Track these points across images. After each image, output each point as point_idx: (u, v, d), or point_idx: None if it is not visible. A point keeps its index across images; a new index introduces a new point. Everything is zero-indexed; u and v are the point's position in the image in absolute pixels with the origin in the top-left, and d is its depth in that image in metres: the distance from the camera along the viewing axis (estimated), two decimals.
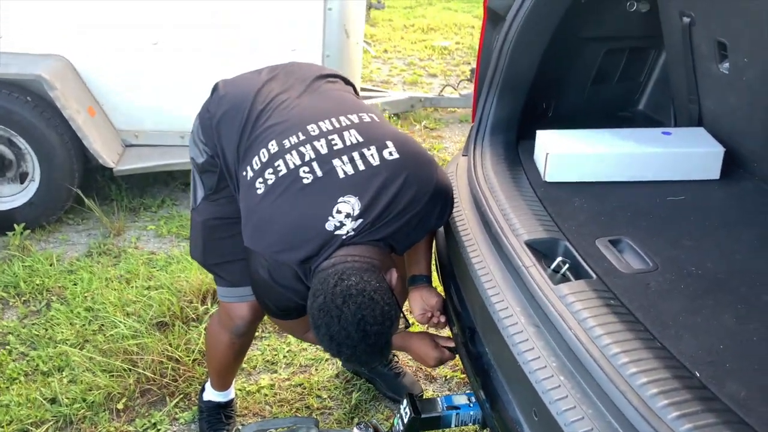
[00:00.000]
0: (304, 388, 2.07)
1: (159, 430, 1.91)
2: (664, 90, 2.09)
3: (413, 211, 1.34)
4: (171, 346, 2.15)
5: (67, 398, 1.99)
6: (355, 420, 1.94)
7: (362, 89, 4.39)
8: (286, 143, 1.37)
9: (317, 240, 1.27)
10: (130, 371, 2.07)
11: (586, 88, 2.09)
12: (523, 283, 1.27)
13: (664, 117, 2.09)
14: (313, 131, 1.38)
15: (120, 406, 1.98)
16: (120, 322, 2.28)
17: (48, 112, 2.83)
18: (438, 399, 1.53)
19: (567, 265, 1.29)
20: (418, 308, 1.55)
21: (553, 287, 1.22)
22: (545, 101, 2.09)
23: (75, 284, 2.55)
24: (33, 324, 2.35)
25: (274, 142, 1.39)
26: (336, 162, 1.33)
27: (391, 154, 1.35)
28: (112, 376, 2.07)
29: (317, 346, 1.73)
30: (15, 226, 2.86)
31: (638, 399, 0.95)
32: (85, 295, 2.48)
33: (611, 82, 2.11)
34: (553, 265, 1.30)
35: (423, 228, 1.42)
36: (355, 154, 1.34)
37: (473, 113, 2.03)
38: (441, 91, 4.92)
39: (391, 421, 1.63)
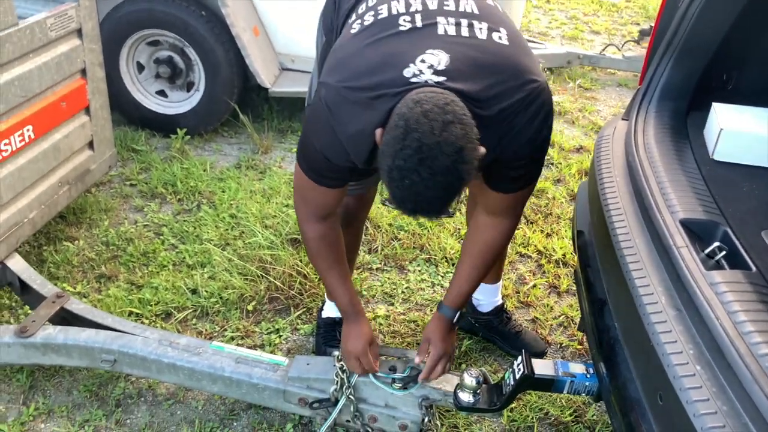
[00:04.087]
0: (418, 325, 2.13)
1: (281, 335, 2.07)
2: None
3: (503, 103, 1.20)
4: (301, 262, 2.29)
5: (206, 291, 2.20)
6: (463, 366, 1.97)
7: None
8: None
9: (391, 83, 1.17)
10: (262, 278, 2.24)
11: None
12: (671, 263, 1.19)
13: None
14: None
15: (250, 307, 2.16)
16: (258, 232, 2.46)
17: (218, 28, 3.01)
18: (554, 362, 1.50)
19: (723, 252, 1.18)
20: (428, 338, 1.54)
21: (705, 272, 1.13)
22: (727, 72, 1.87)
23: (223, 191, 2.77)
24: (184, 221, 2.60)
25: None
26: (441, 19, 1.24)
27: (500, 38, 1.25)
28: (246, 279, 2.25)
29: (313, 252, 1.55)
30: (178, 130, 3.14)
31: None
32: (231, 202, 2.69)
33: None
34: (708, 250, 1.20)
35: (507, 134, 1.24)
36: (464, 21, 1.25)
37: (642, 75, 1.87)
38: (603, 50, 4.58)
39: (502, 374, 1.63)
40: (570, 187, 2.99)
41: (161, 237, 2.50)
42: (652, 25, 1.91)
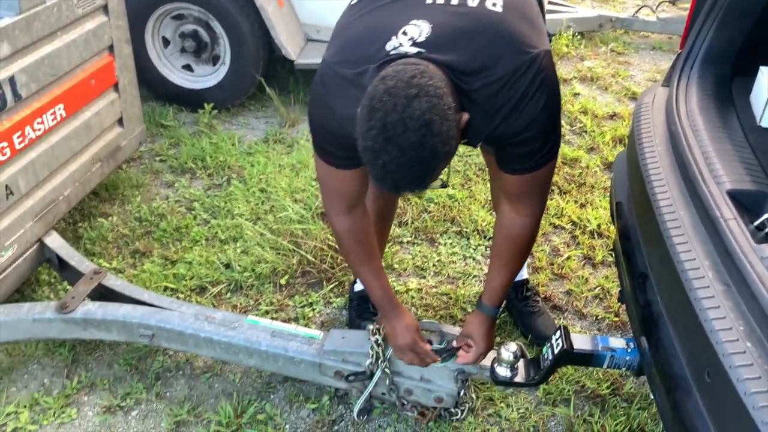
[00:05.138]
0: (450, 298, 2.12)
1: (314, 309, 2.09)
2: None
3: (491, 76, 1.14)
4: (331, 237, 2.29)
5: (239, 266, 2.22)
6: (498, 339, 1.96)
7: (547, 1, 4.08)
8: None
9: (373, 57, 1.14)
10: (294, 252, 2.25)
11: None
12: (718, 235, 1.15)
13: None
14: None
15: (282, 281, 2.18)
16: (289, 206, 2.46)
17: (242, 0, 2.97)
18: (593, 337, 1.48)
19: None
20: (469, 335, 1.51)
21: (755, 246, 1.09)
22: None
23: (252, 166, 2.77)
24: (215, 195, 2.61)
25: None
26: None
27: (494, 5, 1.19)
28: (278, 253, 2.26)
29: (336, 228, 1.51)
30: (205, 105, 3.13)
31: None
32: (260, 177, 2.69)
33: None
34: (758, 222, 1.15)
35: (500, 109, 1.17)
36: None
37: (683, 39, 1.79)
38: (636, 12, 4.42)
39: (540, 348, 1.62)
40: (604, 155, 2.92)
41: (193, 212, 2.52)
42: None
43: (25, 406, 1.77)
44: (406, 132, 1.02)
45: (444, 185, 1.13)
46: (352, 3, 1.29)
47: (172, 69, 3.20)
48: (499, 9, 1.19)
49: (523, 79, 1.17)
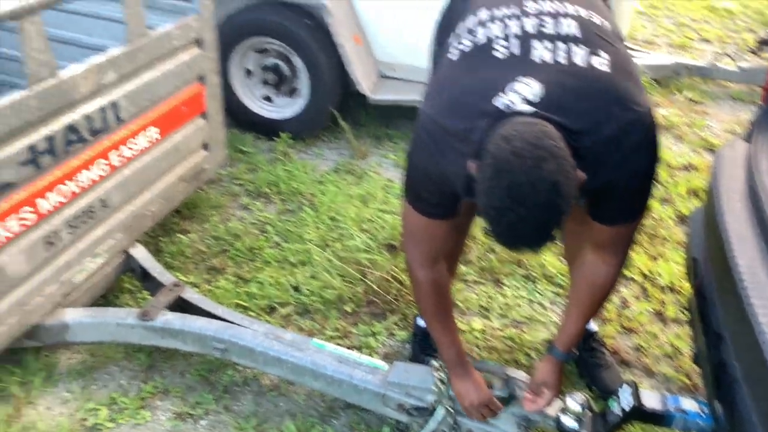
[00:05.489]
0: (515, 342, 2.12)
1: (377, 339, 2.14)
2: None
3: (600, 135, 1.16)
4: (396, 268, 2.34)
5: (307, 289, 2.31)
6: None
7: None
8: (497, 13, 1.30)
9: (482, 114, 1.17)
10: (360, 281, 2.32)
11: None
12: None
13: None
14: (528, 7, 1.28)
15: (348, 308, 2.24)
16: (356, 235, 2.54)
17: (322, 36, 3.11)
18: (665, 396, 1.45)
19: None
20: (542, 382, 1.50)
21: None
22: None
23: (323, 194, 2.87)
24: (287, 220, 2.72)
25: (484, 9, 1.33)
26: (536, 44, 1.21)
27: (601, 64, 1.20)
28: (345, 280, 2.33)
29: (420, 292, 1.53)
30: (281, 134, 3.28)
31: None
32: (330, 205, 2.79)
33: None
34: None
35: (605, 166, 1.19)
36: (561, 45, 1.21)
37: (765, 92, 1.77)
38: (715, 60, 4.33)
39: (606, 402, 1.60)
40: (677, 207, 2.86)
41: (266, 234, 2.63)
42: None
43: (104, 404, 1.89)
44: (535, 194, 1.04)
45: (554, 239, 1.17)
46: (452, 57, 1.31)
47: (252, 99, 3.37)
48: (606, 69, 1.21)
49: (630, 136, 1.19)
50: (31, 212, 1.78)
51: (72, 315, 1.95)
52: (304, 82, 3.25)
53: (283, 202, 2.86)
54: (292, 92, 3.33)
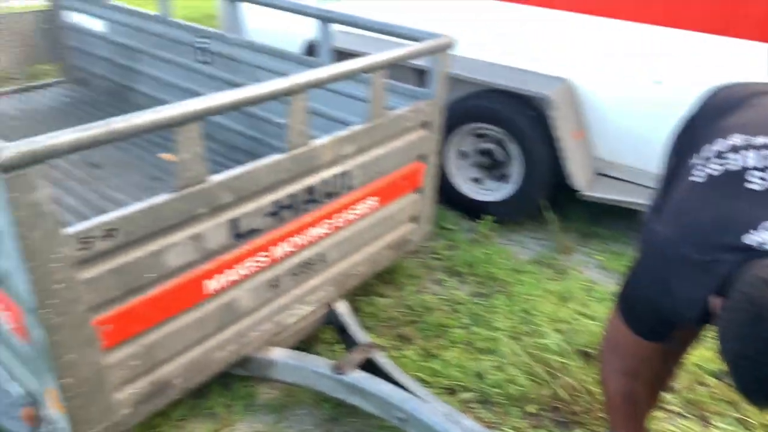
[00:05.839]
0: None
1: None
2: None
3: None
4: (589, 378, 2.20)
5: (491, 379, 2.26)
6: None
7: None
8: (754, 141, 1.20)
9: (728, 248, 1.08)
10: (547, 383, 2.21)
11: None
12: None
13: None
14: None
15: (531, 409, 2.15)
16: (549, 333, 2.45)
17: (541, 127, 3.15)
18: None
19: None
20: None
21: None
22: None
23: (519, 284, 2.84)
24: (479, 303, 2.72)
25: (738, 135, 1.23)
26: None
27: None
28: (531, 379, 2.25)
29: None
30: (485, 216, 3.34)
31: None
32: (525, 296, 2.74)
33: None
34: None
35: None
36: None
37: None
38: None
39: None
40: None
41: (456, 314, 2.66)
42: None
43: None
44: None
45: None
46: (697, 180, 1.25)
47: (463, 179, 3.51)
48: None
49: None
50: (265, 256, 2.03)
51: (278, 354, 2.15)
52: (516, 169, 3.30)
53: (477, 285, 2.88)
54: (502, 177, 3.40)
